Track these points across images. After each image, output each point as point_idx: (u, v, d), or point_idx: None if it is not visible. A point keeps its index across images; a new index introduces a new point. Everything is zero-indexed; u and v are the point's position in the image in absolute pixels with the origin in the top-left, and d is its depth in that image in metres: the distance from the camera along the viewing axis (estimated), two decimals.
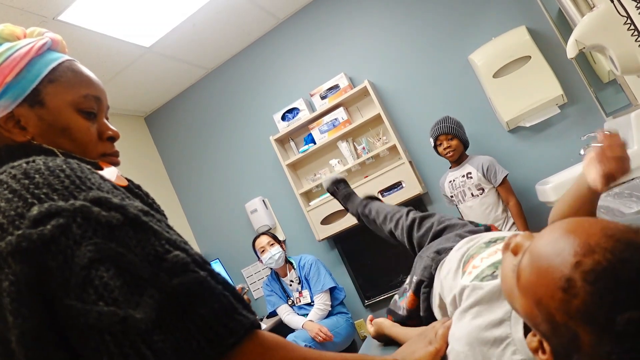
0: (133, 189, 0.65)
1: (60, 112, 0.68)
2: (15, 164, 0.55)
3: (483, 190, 2.47)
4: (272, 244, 2.96)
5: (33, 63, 0.67)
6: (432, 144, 2.58)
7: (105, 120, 0.75)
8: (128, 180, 0.68)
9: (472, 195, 2.50)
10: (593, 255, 0.44)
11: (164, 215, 0.67)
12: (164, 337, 0.47)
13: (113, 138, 0.75)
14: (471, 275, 0.83)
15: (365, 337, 3.18)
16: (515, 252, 0.55)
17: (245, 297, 3.05)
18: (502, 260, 0.59)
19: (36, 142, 0.66)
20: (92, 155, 0.70)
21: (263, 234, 3.07)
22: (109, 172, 0.66)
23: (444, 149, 2.53)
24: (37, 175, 0.52)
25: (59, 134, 0.67)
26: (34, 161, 0.55)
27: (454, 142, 2.50)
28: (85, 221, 0.49)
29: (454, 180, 2.58)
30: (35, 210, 0.49)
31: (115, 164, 0.74)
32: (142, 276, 0.49)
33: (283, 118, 3.30)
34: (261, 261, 3.02)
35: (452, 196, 2.61)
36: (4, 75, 0.64)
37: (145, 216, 0.55)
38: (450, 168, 2.64)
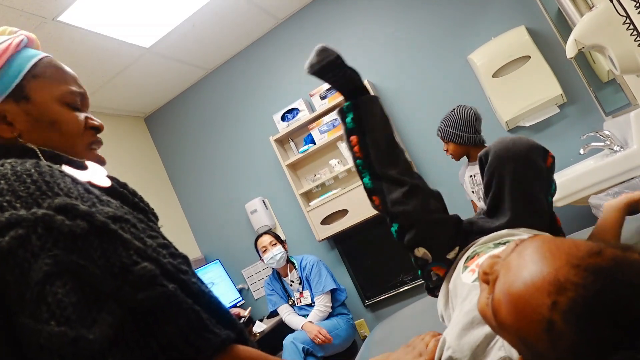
0: (117, 189, 0.64)
1: (47, 106, 0.67)
2: None
3: None
4: (274, 244, 2.96)
5: (12, 59, 0.66)
6: (437, 133, 2.32)
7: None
8: (113, 179, 0.66)
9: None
10: (566, 292, 0.43)
11: (153, 214, 0.65)
12: (122, 356, 0.45)
13: (97, 128, 0.74)
14: (474, 274, 0.83)
15: (365, 337, 3.18)
16: (485, 281, 0.53)
17: (241, 311, 2.99)
18: (480, 290, 0.58)
19: (21, 140, 0.65)
20: (80, 148, 0.70)
21: (265, 233, 3.07)
22: (96, 171, 0.65)
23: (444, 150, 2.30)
24: (2, 181, 0.51)
25: (47, 127, 0.67)
26: (2, 165, 0.53)
27: (449, 145, 2.24)
28: (45, 231, 0.47)
29: (474, 176, 2.29)
30: None
31: (101, 161, 0.73)
32: (103, 290, 0.47)
33: (283, 118, 3.30)
34: (262, 260, 3.02)
35: (473, 192, 2.33)
36: None
37: (114, 223, 0.52)
38: (469, 161, 2.33)
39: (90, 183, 0.59)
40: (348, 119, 1.12)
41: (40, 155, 0.63)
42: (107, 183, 0.63)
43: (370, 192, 1.10)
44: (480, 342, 0.65)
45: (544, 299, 0.44)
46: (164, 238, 0.58)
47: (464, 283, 0.83)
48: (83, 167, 0.66)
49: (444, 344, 0.72)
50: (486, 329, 0.66)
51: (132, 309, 0.47)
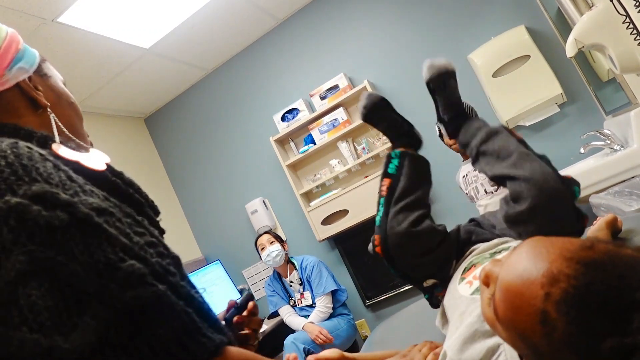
0: (109, 177, 0.58)
1: (61, 87, 0.70)
2: None
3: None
4: (271, 242, 2.96)
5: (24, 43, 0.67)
6: (438, 133, 2.14)
7: None
8: (108, 167, 0.61)
9: (486, 192, 2.14)
10: (559, 284, 0.44)
11: (151, 207, 0.62)
12: None
13: None
14: (472, 286, 0.82)
15: (366, 337, 3.17)
16: (486, 284, 0.54)
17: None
18: (480, 292, 0.59)
19: (49, 111, 0.63)
20: (84, 131, 0.71)
21: (265, 232, 3.07)
22: (95, 155, 0.61)
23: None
24: None
25: (67, 106, 0.68)
26: None
27: None
28: (19, 224, 0.42)
29: (467, 175, 2.24)
30: None
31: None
32: (86, 290, 0.42)
33: (283, 119, 3.30)
34: (262, 259, 3.02)
35: (466, 193, 2.30)
36: (15, 43, 0.63)
37: (99, 216, 0.47)
38: (463, 160, 2.29)
39: (79, 164, 0.55)
40: (392, 165, 1.15)
41: (30, 135, 0.58)
42: (101, 167, 0.58)
43: (376, 230, 1.12)
44: (483, 355, 0.65)
45: (537, 291, 0.45)
46: (153, 235, 0.53)
47: (461, 295, 0.83)
48: (84, 150, 0.63)
49: (445, 357, 0.71)
50: (488, 342, 0.66)
51: (118, 310, 0.42)
